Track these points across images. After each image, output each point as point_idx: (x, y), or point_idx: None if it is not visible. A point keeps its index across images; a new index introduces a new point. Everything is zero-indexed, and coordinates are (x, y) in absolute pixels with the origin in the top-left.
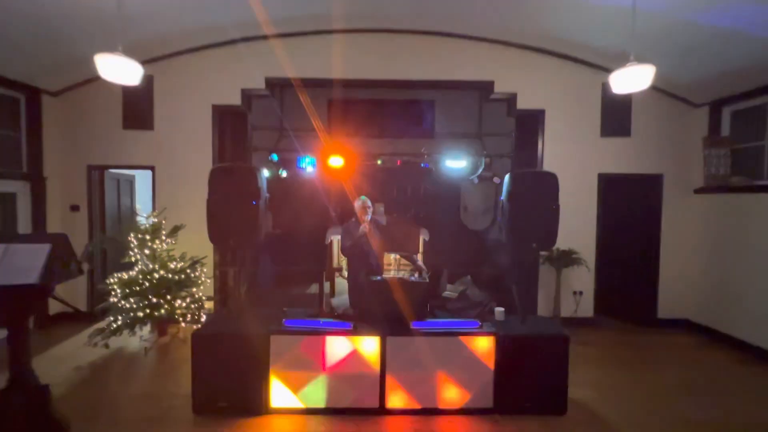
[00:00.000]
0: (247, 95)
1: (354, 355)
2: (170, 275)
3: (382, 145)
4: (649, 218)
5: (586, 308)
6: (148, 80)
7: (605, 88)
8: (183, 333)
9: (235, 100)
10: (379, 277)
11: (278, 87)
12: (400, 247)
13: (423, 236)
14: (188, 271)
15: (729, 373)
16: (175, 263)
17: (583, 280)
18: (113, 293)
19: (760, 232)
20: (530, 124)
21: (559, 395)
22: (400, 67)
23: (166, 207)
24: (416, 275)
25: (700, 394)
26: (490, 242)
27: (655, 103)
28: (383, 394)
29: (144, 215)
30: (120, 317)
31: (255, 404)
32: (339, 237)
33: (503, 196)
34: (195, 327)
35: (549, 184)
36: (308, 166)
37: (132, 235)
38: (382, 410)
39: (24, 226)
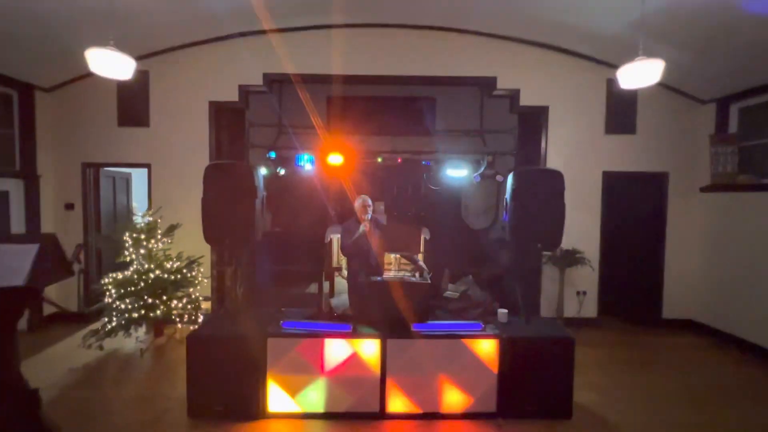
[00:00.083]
0: (244, 91)
1: (353, 358)
2: (166, 275)
3: (382, 142)
4: (654, 217)
5: (590, 308)
6: (143, 76)
7: (610, 84)
8: (179, 334)
9: (233, 96)
10: (379, 278)
11: (277, 83)
12: (401, 247)
13: (424, 235)
14: (184, 270)
15: (735, 375)
16: (171, 263)
17: (586, 279)
18: (108, 294)
19: (767, 231)
20: (533, 121)
21: (564, 399)
22: (401, 63)
23: (161, 206)
24: (417, 275)
25: (707, 397)
26: (491, 241)
27: (661, 100)
28: (383, 399)
29: (140, 214)
30: (115, 318)
31: (252, 408)
32: (338, 236)
33: (507, 195)
34: (192, 328)
35: (554, 182)
36: (307, 164)
37: (127, 234)
38: (382, 415)
39: (17, 225)
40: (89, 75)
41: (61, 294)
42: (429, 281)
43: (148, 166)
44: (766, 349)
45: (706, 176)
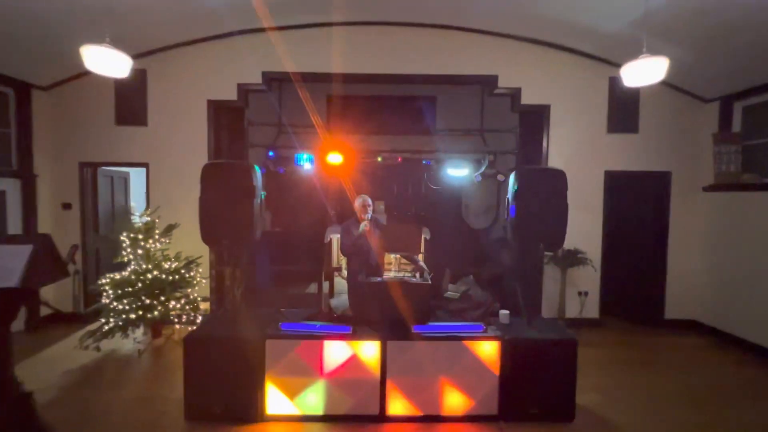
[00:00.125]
0: (243, 90)
1: (353, 360)
2: (164, 276)
3: (382, 141)
4: (657, 217)
5: (592, 309)
6: (141, 75)
7: (612, 82)
8: (178, 335)
9: (231, 95)
10: (379, 278)
11: (277, 82)
12: (401, 247)
13: (424, 235)
14: (183, 271)
15: (738, 375)
16: (169, 263)
17: (588, 280)
18: (105, 294)
19: None
20: (535, 120)
21: (566, 401)
22: (401, 61)
23: (159, 205)
24: (417, 276)
25: (709, 398)
26: (492, 241)
27: (664, 99)
28: (383, 401)
29: (137, 214)
30: (112, 319)
31: (250, 411)
32: (338, 236)
33: (509, 194)
34: (190, 328)
35: (557, 181)
36: (307, 164)
37: (124, 234)
38: (382, 417)
39: (14, 225)
40: (87, 74)
41: (58, 295)
42: (429, 282)
43: (146, 165)
44: None
45: (709, 175)
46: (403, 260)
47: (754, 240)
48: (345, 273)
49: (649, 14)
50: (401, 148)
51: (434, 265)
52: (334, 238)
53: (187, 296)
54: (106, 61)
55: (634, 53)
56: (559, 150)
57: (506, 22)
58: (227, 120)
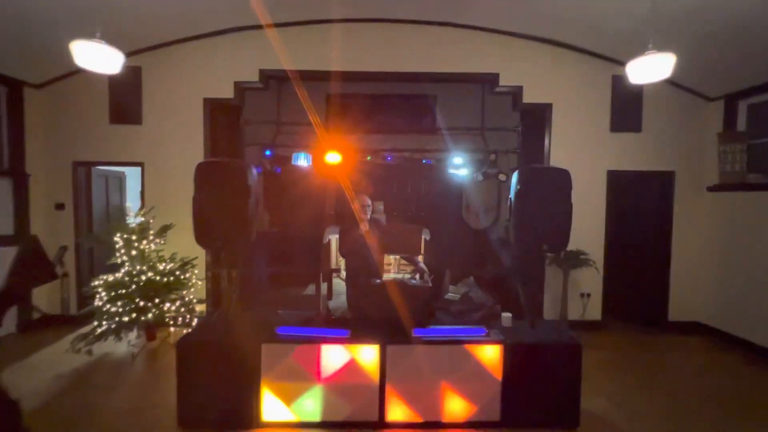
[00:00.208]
0: (240, 88)
1: (351, 365)
2: (158, 277)
3: (382, 141)
4: (660, 217)
5: (594, 311)
6: (136, 72)
7: (615, 81)
8: (173, 337)
9: (228, 93)
10: (378, 280)
11: (275, 81)
12: (401, 248)
13: (424, 236)
14: (178, 272)
15: (745, 379)
16: (164, 264)
17: (590, 281)
18: (98, 296)
19: None
20: (536, 118)
21: (571, 407)
22: (401, 59)
23: (154, 205)
24: (417, 277)
25: (717, 402)
26: (493, 242)
27: (668, 97)
28: (383, 407)
29: (132, 214)
30: (105, 322)
31: (245, 417)
32: (337, 236)
33: (511, 194)
34: (185, 331)
35: (561, 180)
36: (306, 163)
37: (118, 235)
38: (381, 424)
39: (5, 225)
40: (80, 71)
41: (47, 297)
42: (430, 284)
43: (140, 164)
44: None
45: (713, 175)
46: (403, 261)
47: (759, 241)
48: (344, 274)
49: (653, 11)
50: (401, 148)
51: (434, 266)
52: (333, 238)
53: (182, 298)
54: (97, 57)
55: (637, 51)
56: (561, 149)
57: (508, 20)
58: (224, 119)
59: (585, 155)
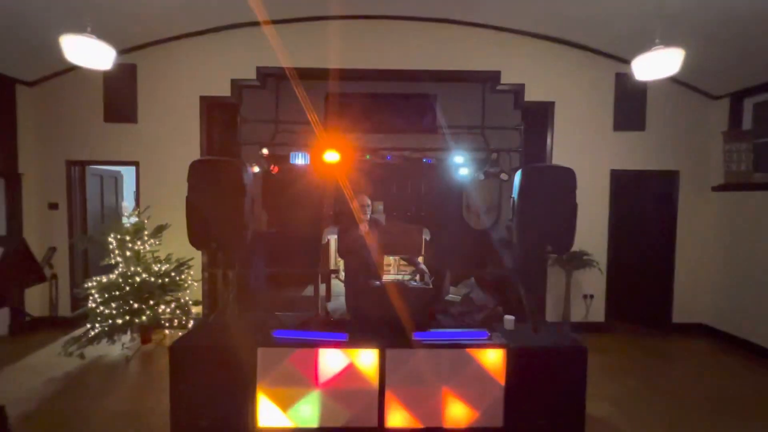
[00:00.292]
0: (237, 86)
1: (350, 370)
2: (153, 279)
3: (382, 140)
4: (664, 217)
5: (597, 312)
6: (131, 70)
7: (619, 79)
8: (169, 340)
9: (225, 91)
10: (378, 282)
11: (273, 79)
12: (402, 249)
13: (424, 236)
14: (173, 274)
15: (751, 381)
16: (159, 266)
17: (594, 282)
18: (91, 298)
19: None
20: (538, 117)
21: (576, 412)
22: (401, 56)
23: (150, 205)
24: (418, 278)
25: (724, 405)
26: (494, 242)
27: (672, 95)
28: (382, 413)
29: (126, 214)
30: (98, 324)
31: (240, 423)
32: (336, 237)
33: (514, 193)
34: (181, 333)
35: (565, 179)
36: (304, 162)
37: (111, 235)
38: (380, 430)
39: None
40: (74, 68)
41: (36, 299)
42: (430, 285)
43: (136, 164)
44: None
45: (718, 175)
46: (403, 262)
47: (764, 241)
48: (342, 275)
49: (657, 8)
50: (401, 147)
51: (435, 267)
52: (332, 239)
53: (177, 300)
54: (88, 52)
55: (641, 48)
56: (564, 148)
57: (509, 17)
58: (220, 117)
59: (588, 154)
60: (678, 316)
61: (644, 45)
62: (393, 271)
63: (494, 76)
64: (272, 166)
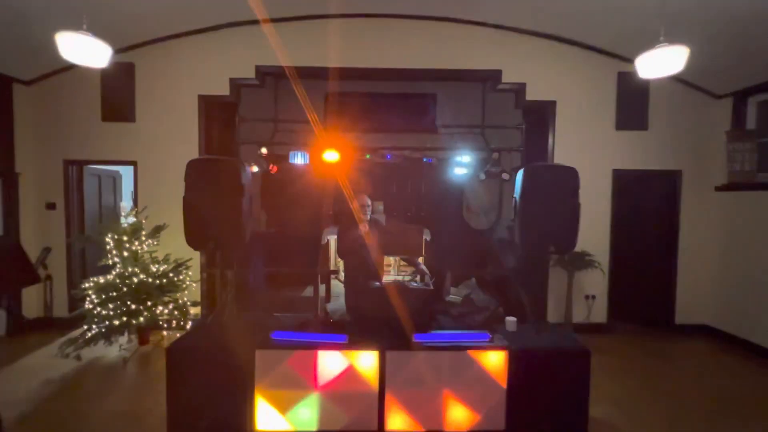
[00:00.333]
0: (236, 85)
1: (349, 372)
2: (151, 279)
3: (381, 139)
4: (667, 217)
5: (599, 313)
6: (129, 68)
7: (621, 77)
8: (167, 341)
9: (224, 90)
10: (377, 283)
11: (272, 78)
12: (402, 249)
13: (425, 236)
14: (171, 274)
15: (751, 381)
16: (157, 266)
17: (595, 283)
18: (88, 299)
19: None
20: (539, 116)
21: (578, 415)
22: (401, 55)
23: (148, 205)
24: (418, 279)
25: (729, 406)
26: (495, 243)
27: (675, 94)
28: (382, 416)
29: (123, 214)
30: (95, 325)
31: (238, 426)
32: (335, 237)
33: (516, 193)
34: (179, 334)
35: (568, 179)
36: (303, 162)
37: (109, 236)
38: None
39: None
40: (71, 67)
41: (39, 299)
42: (431, 286)
43: (133, 163)
44: None
45: (721, 174)
46: (403, 262)
47: None
48: (342, 276)
49: (660, 6)
50: (401, 146)
51: (435, 267)
52: (332, 239)
53: (175, 301)
54: (84, 50)
55: (643, 47)
56: (565, 147)
57: (510, 15)
58: (219, 116)
59: (589, 154)
60: (681, 317)
61: (646, 44)
62: (393, 271)
63: (495, 75)
64: (271, 166)
